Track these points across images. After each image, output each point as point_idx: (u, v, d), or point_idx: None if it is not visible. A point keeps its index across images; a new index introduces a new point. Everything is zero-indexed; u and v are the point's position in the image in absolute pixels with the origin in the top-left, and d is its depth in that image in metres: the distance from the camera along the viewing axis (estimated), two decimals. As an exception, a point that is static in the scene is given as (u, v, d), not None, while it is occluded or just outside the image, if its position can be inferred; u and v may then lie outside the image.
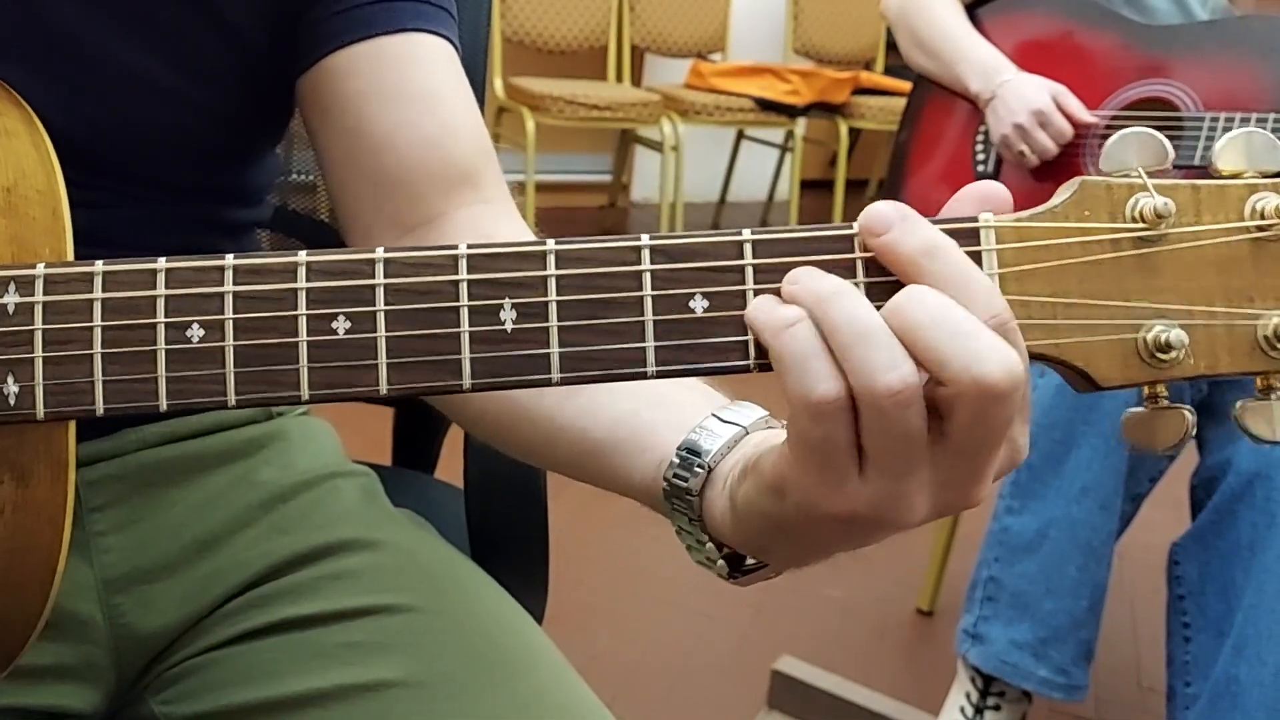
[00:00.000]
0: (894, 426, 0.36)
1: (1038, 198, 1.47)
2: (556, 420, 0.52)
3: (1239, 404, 0.41)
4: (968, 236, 0.40)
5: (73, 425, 0.46)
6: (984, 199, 0.40)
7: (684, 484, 0.45)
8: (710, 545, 0.45)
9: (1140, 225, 0.40)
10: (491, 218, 0.61)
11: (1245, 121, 1.33)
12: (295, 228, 0.90)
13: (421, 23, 0.61)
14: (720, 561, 0.45)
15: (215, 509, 0.65)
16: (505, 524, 0.78)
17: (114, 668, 0.62)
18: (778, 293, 0.39)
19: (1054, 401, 1.36)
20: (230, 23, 0.59)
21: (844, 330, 0.37)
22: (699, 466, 0.44)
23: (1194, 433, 0.41)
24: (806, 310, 0.38)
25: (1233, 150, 0.41)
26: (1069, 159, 1.48)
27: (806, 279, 0.38)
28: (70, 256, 0.48)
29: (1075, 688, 1.37)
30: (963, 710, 1.45)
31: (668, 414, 0.48)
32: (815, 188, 4.65)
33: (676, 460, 0.45)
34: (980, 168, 1.59)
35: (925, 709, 1.52)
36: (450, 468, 0.81)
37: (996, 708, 1.44)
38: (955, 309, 0.36)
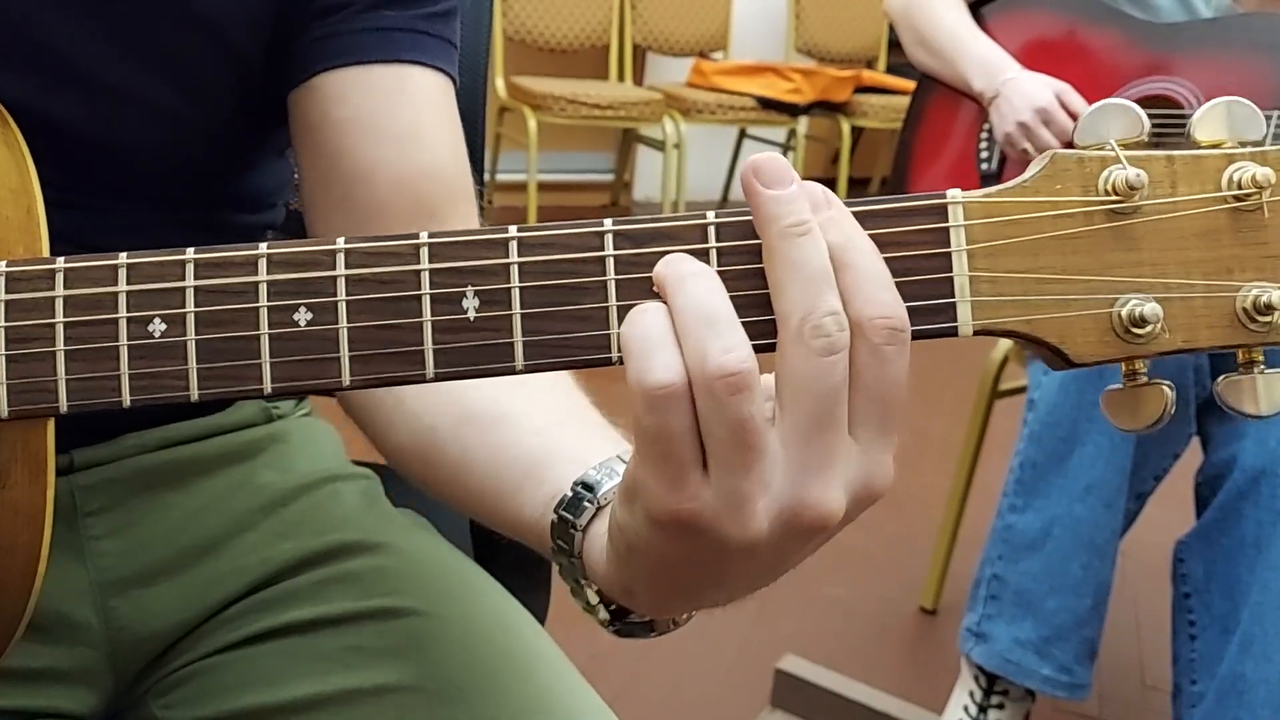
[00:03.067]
0: (727, 412, 0.35)
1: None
2: (470, 453, 0.52)
3: (1221, 379, 0.40)
4: (935, 214, 0.39)
5: (51, 424, 0.46)
6: None
7: (571, 517, 0.44)
8: (589, 590, 0.45)
9: (1113, 198, 0.39)
10: None
11: None
12: (305, 231, 0.89)
13: (417, 54, 0.60)
14: (599, 605, 0.45)
15: (214, 513, 0.65)
16: (508, 524, 0.78)
17: (111, 671, 0.62)
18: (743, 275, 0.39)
19: (1058, 399, 1.36)
20: (230, 40, 0.58)
21: (688, 312, 0.36)
22: (588, 502, 0.44)
23: (1174, 409, 0.40)
24: (666, 292, 0.37)
25: (1213, 119, 0.40)
26: (1072, 156, 1.48)
27: (674, 261, 0.38)
28: (46, 255, 0.47)
29: (1079, 686, 1.37)
30: (966, 709, 1.45)
31: (572, 454, 0.47)
32: (818, 186, 4.65)
33: (569, 494, 0.45)
34: (984, 166, 1.59)
35: (928, 708, 1.52)
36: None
37: (1000, 706, 1.44)
38: (824, 261, 0.36)
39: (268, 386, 0.39)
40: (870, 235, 0.38)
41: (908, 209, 0.39)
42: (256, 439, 0.68)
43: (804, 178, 0.40)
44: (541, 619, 0.74)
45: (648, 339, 0.36)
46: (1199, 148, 0.40)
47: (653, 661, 1.64)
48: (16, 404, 0.40)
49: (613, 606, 0.45)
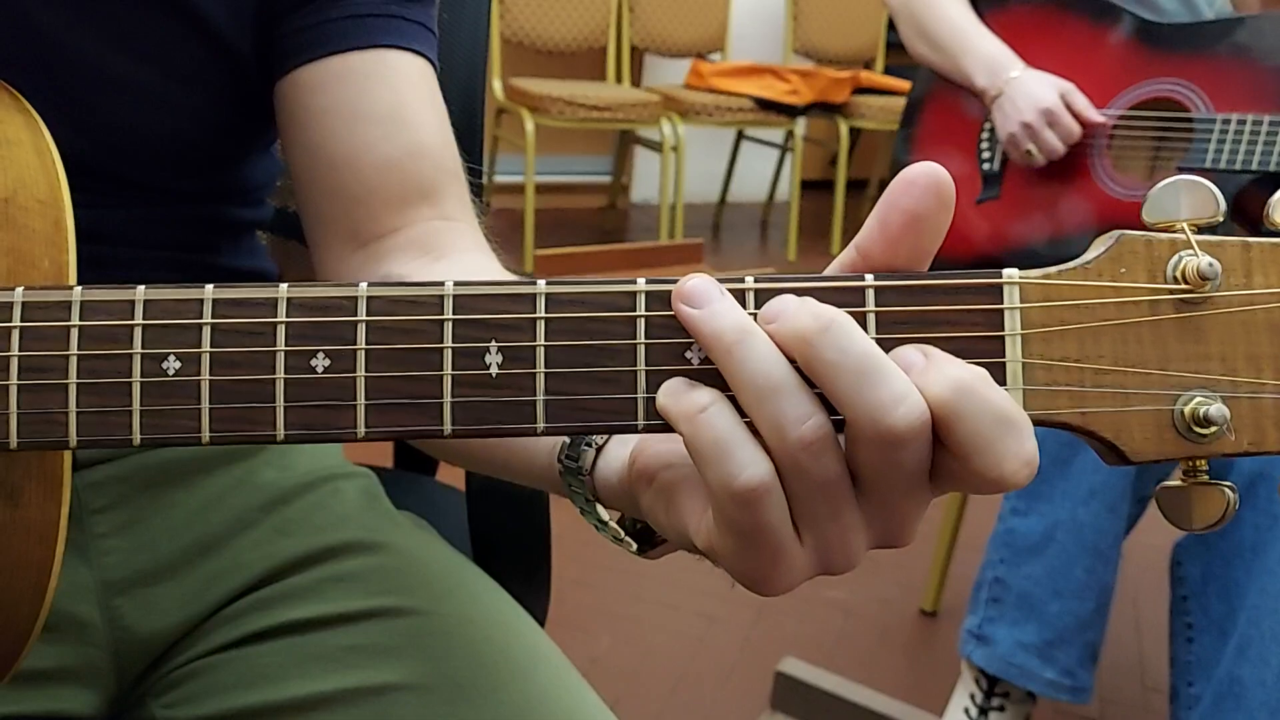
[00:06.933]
0: (813, 477, 0.35)
1: (1043, 197, 1.47)
2: None
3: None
4: (989, 293, 0.37)
5: None
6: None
7: (575, 463, 0.45)
8: (614, 525, 0.45)
9: (1182, 286, 0.36)
10: (449, 233, 0.61)
11: (1258, 124, 1.31)
12: (293, 229, 0.90)
13: (394, 39, 0.60)
14: (627, 539, 0.46)
15: (216, 511, 0.65)
16: (507, 526, 0.78)
17: (114, 671, 0.62)
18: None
19: (1060, 402, 1.35)
20: (215, 30, 0.59)
21: (752, 384, 0.35)
22: (587, 444, 0.45)
23: (1235, 511, 0.37)
24: (716, 357, 0.36)
25: None
26: (1076, 159, 1.47)
27: (711, 320, 0.36)
28: (72, 269, 0.46)
29: (1081, 690, 1.37)
30: (967, 711, 1.45)
31: None
32: (816, 188, 4.65)
33: (568, 440, 0.46)
34: (986, 166, 1.56)
35: (929, 710, 1.51)
36: (452, 470, 0.81)
37: (1001, 709, 1.44)
38: (866, 348, 0.34)
39: (280, 433, 0.38)
40: (920, 311, 0.37)
41: (960, 285, 0.37)
42: None
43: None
44: (541, 620, 0.74)
45: (720, 438, 0.35)
46: (1277, 232, 0.37)
47: (652, 663, 1.64)
48: (26, 435, 0.39)
49: (639, 526, 0.45)
